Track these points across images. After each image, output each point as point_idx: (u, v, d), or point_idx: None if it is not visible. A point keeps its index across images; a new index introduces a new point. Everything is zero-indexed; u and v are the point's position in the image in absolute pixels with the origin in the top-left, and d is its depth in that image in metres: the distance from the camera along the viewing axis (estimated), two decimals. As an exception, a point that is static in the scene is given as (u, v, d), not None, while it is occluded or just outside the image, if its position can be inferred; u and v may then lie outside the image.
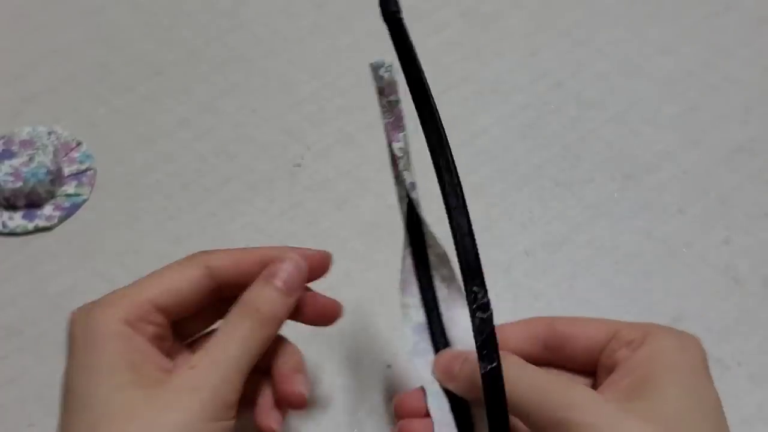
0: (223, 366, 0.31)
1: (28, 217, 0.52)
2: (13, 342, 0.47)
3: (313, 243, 0.51)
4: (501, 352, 0.32)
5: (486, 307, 0.27)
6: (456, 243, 0.28)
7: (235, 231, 0.51)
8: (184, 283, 0.34)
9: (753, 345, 0.45)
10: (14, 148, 0.54)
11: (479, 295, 0.28)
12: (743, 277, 0.48)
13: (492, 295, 0.47)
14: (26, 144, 0.54)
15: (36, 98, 0.60)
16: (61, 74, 0.61)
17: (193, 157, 0.56)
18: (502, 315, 0.46)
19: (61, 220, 0.52)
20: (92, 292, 0.48)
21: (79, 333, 0.32)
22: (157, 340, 0.34)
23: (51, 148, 0.53)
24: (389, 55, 0.65)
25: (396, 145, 0.34)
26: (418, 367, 0.36)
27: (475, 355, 0.33)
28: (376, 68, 0.33)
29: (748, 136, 0.55)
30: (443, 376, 0.35)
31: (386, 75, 0.33)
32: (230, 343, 0.32)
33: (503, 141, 0.56)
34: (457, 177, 0.29)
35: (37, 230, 0.52)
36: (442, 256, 0.37)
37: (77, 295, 0.48)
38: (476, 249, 0.28)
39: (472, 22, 0.64)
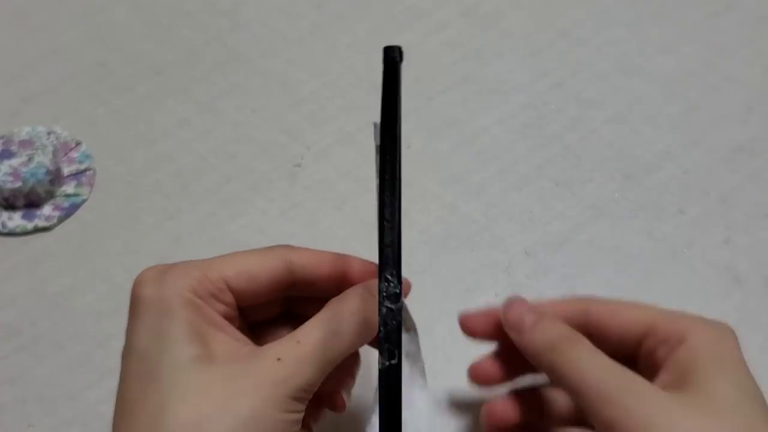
0: (311, 367, 0.30)
1: (28, 217, 0.52)
2: (13, 342, 0.47)
3: (313, 243, 0.51)
4: (574, 334, 0.33)
5: (396, 297, 0.26)
6: (379, 226, 0.26)
7: (235, 231, 0.51)
8: (262, 270, 0.33)
9: (753, 345, 0.45)
10: (13, 148, 0.54)
11: (391, 285, 0.26)
12: (744, 277, 0.48)
13: (492, 294, 0.47)
14: (25, 144, 0.54)
15: (35, 98, 0.60)
16: (61, 74, 0.61)
17: (193, 157, 0.56)
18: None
19: (61, 220, 0.52)
20: (92, 292, 0.49)
21: (149, 295, 0.31)
22: (227, 320, 0.33)
23: (50, 148, 0.53)
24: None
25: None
26: None
27: (553, 316, 0.34)
28: (377, 127, 0.33)
29: (748, 136, 0.55)
30: (513, 327, 0.35)
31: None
32: (327, 345, 0.31)
33: (503, 141, 0.56)
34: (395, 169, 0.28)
35: (37, 230, 0.52)
36: (411, 332, 0.36)
37: (77, 295, 0.48)
38: (398, 235, 0.26)
39: (472, 22, 0.64)
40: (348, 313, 0.32)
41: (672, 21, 0.63)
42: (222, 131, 0.57)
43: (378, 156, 0.33)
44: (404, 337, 0.35)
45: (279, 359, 0.30)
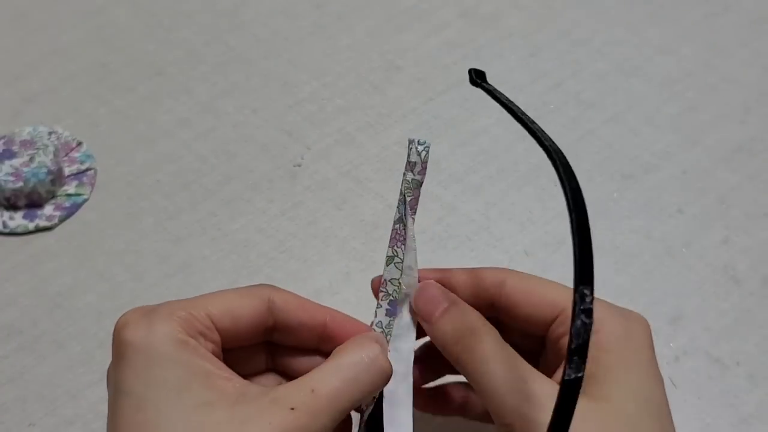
0: (325, 417, 0.29)
1: (29, 217, 0.52)
2: (14, 341, 0.47)
3: (313, 243, 0.51)
4: (482, 325, 0.32)
5: (590, 313, 0.26)
6: (576, 246, 0.28)
7: (235, 231, 0.51)
8: (246, 310, 0.32)
9: (752, 344, 0.45)
10: (15, 148, 0.54)
11: (587, 300, 0.27)
12: (742, 277, 0.48)
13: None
14: (27, 144, 0.54)
15: (37, 98, 0.60)
16: (62, 74, 0.61)
17: (194, 157, 0.56)
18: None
19: (62, 219, 0.52)
20: (93, 291, 0.49)
21: (138, 339, 0.29)
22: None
23: (51, 148, 0.54)
24: (387, 59, 0.65)
25: (401, 224, 0.34)
26: None
27: (463, 304, 0.33)
28: (413, 143, 0.33)
29: (747, 136, 0.55)
30: (424, 310, 0.34)
31: (423, 153, 0.33)
32: (343, 394, 0.30)
33: (503, 141, 0.56)
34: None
35: (38, 230, 0.52)
36: (403, 349, 0.36)
37: (78, 294, 0.49)
38: (592, 253, 0.27)
39: (471, 22, 0.64)
40: (368, 359, 0.31)
41: (671, 22, 0.63)
42: (222, 131, 0.57)
43: (407, 173, 0.33)
44: (395, 354, 0.35)
45: (293, 408, 0.28)
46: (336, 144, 0.56)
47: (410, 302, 0.35)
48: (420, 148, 0.33)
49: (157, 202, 0.53)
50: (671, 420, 0.31)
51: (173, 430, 0.27)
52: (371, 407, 0.34)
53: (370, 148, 0.56)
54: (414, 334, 0.35)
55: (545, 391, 0.30)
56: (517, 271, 0.35)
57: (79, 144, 0.56)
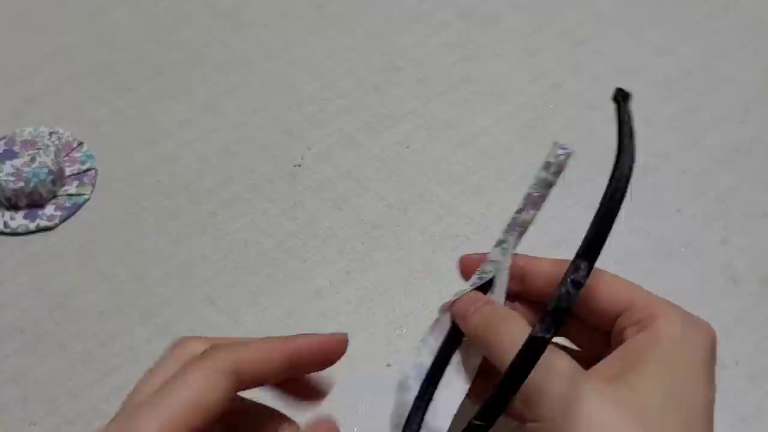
0: None
1: (30, 217, 0.52)
2: (15, 341, 0.47)
3: (313, 243, 0.51)
4: (509, 313, 0.32)
5: (579, 286, 0.27)
6: (597, 219, 0.29)
7: (236, 231, 0.52)
8: (212, 396, 0.29)
9: (751, 344, 0.45)
10: (16, 148, 0.54)
11: (581, 272, 0.27)
12: (741, 277, 0.48)
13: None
14: (28, 144, 0.54)
15: (38, 99, 0.60)
16: (63, 75, 0.61)
17: (194, 157, 0.56)
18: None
19: (63, 220, 0.52)
20: (93, 291, 0.49)
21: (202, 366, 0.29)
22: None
23: (52, 148, 0.54)
24: (387, 59, 0.65)
25: (523, 216, 0.35)
26: (398, 401, 0.35)
27: (494, 303, 0.34)
28: (557, 146, 0.34)
29: (746, 136, 0.55)
30: (458, 312, 0.35)
31: (562, 156, 0.34)
32: None
33: (503, 141, 0.56)
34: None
35: (39, 230, 0.52)
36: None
37: (79, 294, 0.49)
38: (608, 232, 0.28)
39: (471, 22, 0.64)
40: None
41: (670, 22, 0.63)
42: (223, 132, 0.57)
43: (540, 171, 0.34)
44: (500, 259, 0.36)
45: None
46: (336, 144, 0.56)
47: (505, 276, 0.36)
48: (560, 152, 0.34)
49: (158, 202, 0.53)
50: (708, 426, 0.29)
51: None
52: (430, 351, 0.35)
53: (370, 148, 0.56)
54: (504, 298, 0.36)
55: (568, 367, 0.29)
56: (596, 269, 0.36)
57: (80, 144, 0.56)
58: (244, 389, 0.30)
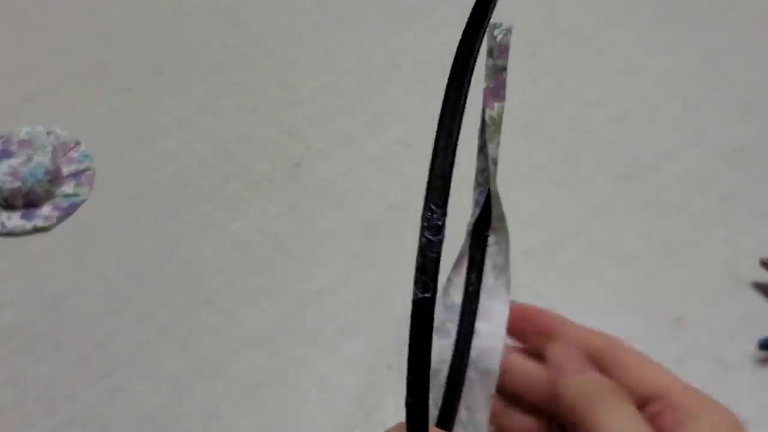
0: None
1: (27, 217, 0.52)
2: (12, 342, 0.46)
3: (313, 243, 0.51)
4: (620, 390, 0.31)
5: (438, 229, 0.25)
6: (433, 153, 0.26)
7: (235, 231, 0.51)
8: None
9: (753, 345, 0.45)
10: (13, 147, 0.54)
11: (435, 215, 0.25)
12: (744, 277, 0.48)
13: (492, 295, 0.47)
14: (25, 144, 0.54)
15: (35, 98, 0.60)
16: (60, 74, 0.61)
17: (193, 156, 0.56)
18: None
19: (60, 220, 0.52)
20: (91, 292, 0.49)
21: None
22: None
23: (50, 148, 0.53)
24: (387, 58, 0.65)
25: (489, 113, 0.33)
26: (436, 347, 0.34)
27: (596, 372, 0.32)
28: (492, 28, 0.32)
29: (748, 135, 0.55)
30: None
31: (500, 36, 0.32)
32: None
33: (503, 141, 0.55)
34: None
35: (36, 230, 0.52)
36: (503, 243, 0.36)
37: (76, 295, 0.48)
38: (450, 167, 0.26)
39: (472, 21, 0.64)
40: None
41: (672, 21, 0.63)
42: (222, 131, 0.57)
43: (487, 60, 0.32)
44: (494, 247, 0.35)
45: None
46: (336, 144, 0.56)
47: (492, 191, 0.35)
48: (497, 31, 0.32)
49: (156, 202, 0.53)
50: None
51: None
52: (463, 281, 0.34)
53: (370, 148, 0.55)
54: (507, 226, 0.35)
55: None
56: (620, 342, 0.34)
57: (78, 144, 0.56)
58: None
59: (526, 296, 0.47)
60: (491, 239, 0.35)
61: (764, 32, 0.62)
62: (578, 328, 0.34)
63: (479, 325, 0.35)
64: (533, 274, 0.48)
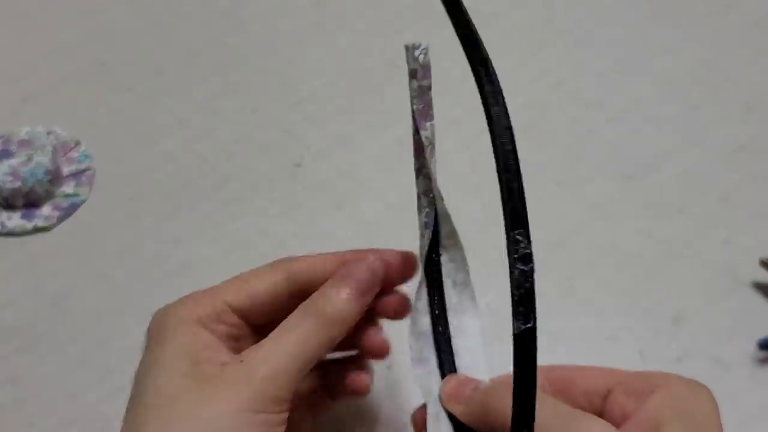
0: (273, 361, 0.31)
1: (27, 217, 0.52)
2: (12, 342, 0.46)
3: (313, 243, 0.51)
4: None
5: (528, 259, 0.24)
6: (501, 185, 0.25)
7: (235, 231, 0.51)
8: (262, 285, 0.34)
9: (753, 345, 0.45)
10: (13, 147, 0.54)
11: (522, 245, 0.25)
12: (743, 277, 0.48)
13: (492, 295, 0.47)
14: (25, 144, 0.54)
15: (35, 98, 0.60)
16: (60, 74, 0.61)
17: (193, 156, 0.56)
18: (502, 315, 0.46)
19: (60, 220, 0.52)
20: (91, 292, 0.49)
21: (153, 328, 0.33)
22: (232, 340, 0.34)
23: (50, 148, 0.53)
24: (387, 58, 0.65)
25: (423, 134, 0.33)
26: (419, 377, 0.35)
27: (487, 384, 0.33)
28: (411, 50, 0.32)
29: (748, 135, 0.55)
30: (449, 398, 0.34)
31: (421, 57, 0.32)
32: (285, 339, 0.32)
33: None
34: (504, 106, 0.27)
35: (36, 230, 0.52)
36: (458, 259, 0.36)
37: (77, 295, 0.48)
38: (523, 195, 0.26)
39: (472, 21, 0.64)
40: (316, 308, 0.33)
41: (672, 21, 0.63)
42: (222, 131, 0.57)
43: (411, 82, 0.32)
44: (450, 265, 0.35)
45: (242, 360, 0.31)
46: (336, 144, 0.56)
47: (443, 209, 0.35)
48: (417, 52, 0.32)
49: (157, 202, 0.53)
50: None
51: (147, 395, 0.31)
52: (424, 317, 0.35)
53: (370, 148, 0.55)
54: (460, 241, 0.35)
55: (599, 425, 0.29)
56: (556, 365, 0.34)
57: (78, 144, 0.56)
58: (303, 291, 0.34)
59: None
60: (445, 257, 0.35)
61: (764, 32, 0.62)
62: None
63: (456, 343, 0.35)
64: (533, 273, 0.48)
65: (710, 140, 0.55)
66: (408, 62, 0.32)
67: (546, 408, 0.29)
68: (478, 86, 0.27)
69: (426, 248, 0.35)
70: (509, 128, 0.26)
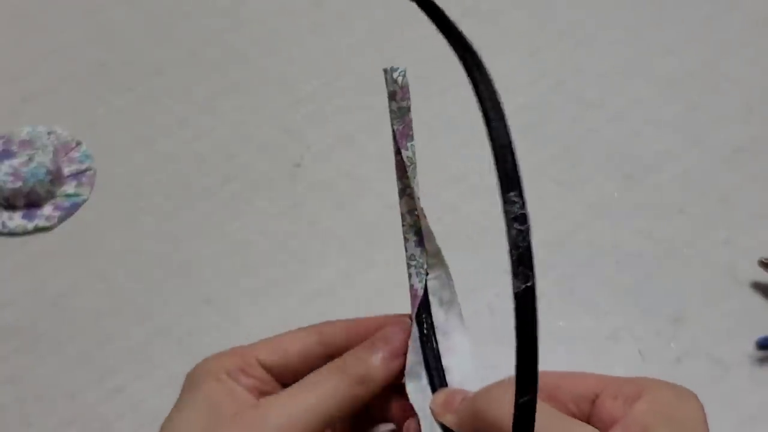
0: (290, 408, 0.32)
1: (28, 217, 0.52)
2: (13, 342, 0.47)
3: (313, 243, 0.51)
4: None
5: (524, 219, 0.25)
6: (494, 150, 0.25)
7: (235, 231, 0.51)
8: (295, 346, 0.35)
9: (753, 345, 0.45)
10: (14, 148, 0.54)
11: (517, 206, 0.25)
12: (743, 278, 0.48)
13: (492, 295, 0.47)
14: (26, 144, 0.54)
15: (35, 98, 0.60)
16: (61, 74, 0.61)
17: (193, 157, 0.56)
18: (503, 315, 0.46)
19: (61, 220, 0.52)
20: (92, 292, 0.49)
21: (186, 378, 0.34)
22: (259, 393, 0.34)
23: (50, 148, 0.53)
24: (387, 57, 0.65)
25: (405, 153, 0.34)
26: (411, 391, 0.35)
27: (476, 394, 0.32)
28: (390, 72, 0.33)
29: (748, 136, 0.55)
30: (440, 409, 0.34)
31: (400, 79, 0.33)
32: (306, 391, 0.32)
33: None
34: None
35: (37, 230, 0.52)
36: (443, 276, 0.36)
37: (77, 295, 0.48)
38: (515, 156, 0.26)
39: (472, 21, 0.64)
40: (343, 366, 0.33)
41: (672, 21, 0.63)
42: (222, 131, 0.57)
43: (391, 103, 0.33)
44: (436, 282, 0.35)
45: (257, 407, 0.32)
46: (336, 144, 0.56)
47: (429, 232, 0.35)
48: (396, 74, 0.33)
49: (157, 202, 0.53)
50: None
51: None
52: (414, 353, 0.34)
53: (370, 148, 0.55)
54: (444, 259, 0.35)
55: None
56: (543, 371, 0.34)
57: (78, 144, 0.56)
58: (334, 353, 0.34)
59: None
60: (430, 275, 0.35)
61: (764, 32, 0.62)
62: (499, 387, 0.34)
63: (447, 362, 0.35)
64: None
65: (710, 141, 0.55)
66: (387, 84, 0.33)
67: (539, 413, 0.29)
68: (459, 58, 0.27)
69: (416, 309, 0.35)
70: (494, 92, 0.26)
